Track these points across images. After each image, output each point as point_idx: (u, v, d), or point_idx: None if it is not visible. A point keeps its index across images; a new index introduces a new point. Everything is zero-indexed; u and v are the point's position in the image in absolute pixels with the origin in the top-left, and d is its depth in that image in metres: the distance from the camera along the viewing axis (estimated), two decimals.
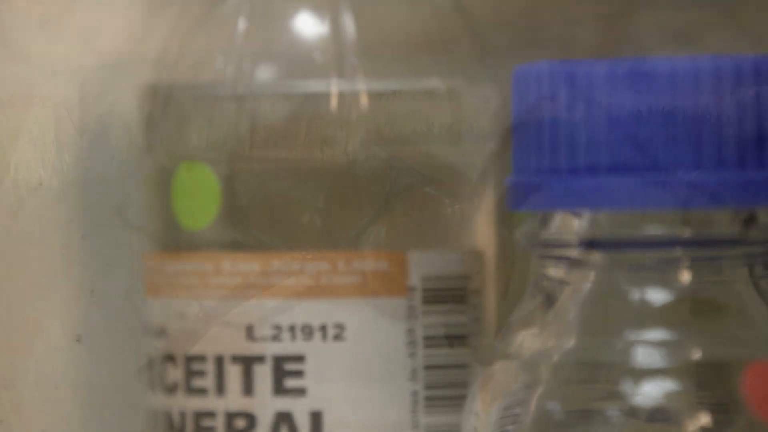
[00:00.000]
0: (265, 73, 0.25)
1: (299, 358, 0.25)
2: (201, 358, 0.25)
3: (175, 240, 0.26)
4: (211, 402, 0.25)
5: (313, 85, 0.25)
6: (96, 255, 0.27)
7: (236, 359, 0.25)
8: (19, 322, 0.27)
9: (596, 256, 0.21)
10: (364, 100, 0.25)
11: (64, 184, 0.27)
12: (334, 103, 0.25)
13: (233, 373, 0.25)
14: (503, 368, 0.25)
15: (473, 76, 0.25)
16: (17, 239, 0.27)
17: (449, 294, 0.25)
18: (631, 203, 0.19)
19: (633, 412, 0.20)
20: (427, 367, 0.25)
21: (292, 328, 0.25)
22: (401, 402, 0.25)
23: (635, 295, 0.21)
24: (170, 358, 0.25)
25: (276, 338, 0.25)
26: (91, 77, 0.26)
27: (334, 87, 0.25)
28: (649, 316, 0.21)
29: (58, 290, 0.27)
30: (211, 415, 0.25)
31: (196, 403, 0.25)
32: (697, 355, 0.20)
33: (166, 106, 0.26)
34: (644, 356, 0.20)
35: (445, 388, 0.25)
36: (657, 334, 0.21)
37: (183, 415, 0.25)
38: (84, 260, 0.28)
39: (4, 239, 0.27)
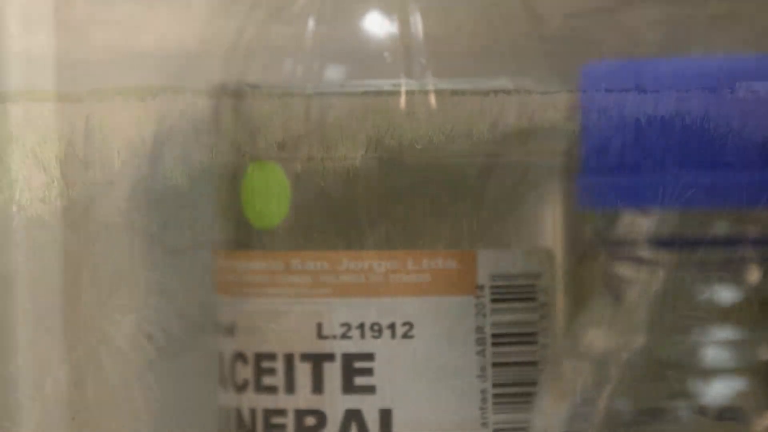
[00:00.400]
0: (334, 73, 0.26)
1: (368, 356, 0.25)
2: (271, 356, 0.25)
3: (245, 238, 0.26)
4: (281, 400, 0.25)
5: (382, 85, 0.25)
6: (167, 253, 0.27)
7: (306, 357, 0.25)
8: (90, 320, 0.27)
9: (665, 255, 0.21)
10: (432, 100, 0.25)
11: (135, 182, 0.27)
12: (403, 102, 0.25)
13: (303, 371, 0.25)
14: (572, 366, 0.26)
15: (541, 75, 0.25)
16: (87, 237, 0.27)
17: (518, 292, 0.25)
18: (699, 202, 0.19)
19: (702, 411, 0.20)
20: (496, 365, 0.25)
21: (361, 327, 0.25)
22: (470, 400, 0.25)
23: (704, 294, 0.21)
24: (240, 356, 0.25)
25: (345, 336, 0.25)
26: (161, 75, 0.26)
27: (403, 86, 0.25)
28: (717, 315, 0.21)
29: (129, 288, 0.27)
30: (281, 412, 0.25)
31: (266, 401, 0.25)
32: (765, 354, 0.20)
33: (235, 105, 0.26)
34: (713, 355, 0.20)
35: (513, 386, 0.25)
36: (726, 333, 0.21)
37: (253, 412, 0.25)
38: (155, 258, 0.28)
39: (75, 237, 0.27)
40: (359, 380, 0.25)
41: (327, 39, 0.25)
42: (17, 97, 0.27)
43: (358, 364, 0.25)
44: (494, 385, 0.25)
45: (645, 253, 0.23)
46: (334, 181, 0.25)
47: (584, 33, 0.26)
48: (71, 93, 0.26)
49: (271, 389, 0.25)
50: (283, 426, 0.25)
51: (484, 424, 0.25)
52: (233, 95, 0.26)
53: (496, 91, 0.25)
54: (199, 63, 0.27)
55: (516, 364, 0.25)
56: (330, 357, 0.25)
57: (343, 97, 0.25)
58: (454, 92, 0.25)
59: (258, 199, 0.26)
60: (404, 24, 0.25)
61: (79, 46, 0.27)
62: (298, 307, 0.25)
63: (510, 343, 0.25)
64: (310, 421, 0.25)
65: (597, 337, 0.25)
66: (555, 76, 0.25)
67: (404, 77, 0.25)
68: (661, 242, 0.21)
